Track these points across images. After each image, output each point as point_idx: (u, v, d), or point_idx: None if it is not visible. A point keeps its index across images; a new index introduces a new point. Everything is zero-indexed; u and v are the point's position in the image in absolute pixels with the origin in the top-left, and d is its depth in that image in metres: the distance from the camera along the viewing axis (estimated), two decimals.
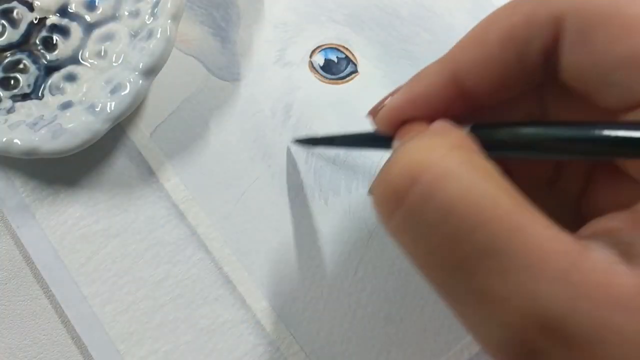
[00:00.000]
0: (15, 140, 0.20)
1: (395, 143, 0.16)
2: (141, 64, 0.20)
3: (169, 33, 0.20)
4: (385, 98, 0.16)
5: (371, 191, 0.13)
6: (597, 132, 0.12)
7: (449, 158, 0.12)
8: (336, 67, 0.24)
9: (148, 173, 0.22)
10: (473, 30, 0.15)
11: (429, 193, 0.12)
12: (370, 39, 0.24)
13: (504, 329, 0.11)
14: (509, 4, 0.14)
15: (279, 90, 0.23)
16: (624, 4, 0.12)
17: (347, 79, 0.24)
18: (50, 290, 0.21)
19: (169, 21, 0.20)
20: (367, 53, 0.24)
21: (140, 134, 0.23)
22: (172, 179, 0.22)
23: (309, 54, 0.24)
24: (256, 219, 0.22)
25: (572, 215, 0.16)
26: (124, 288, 0.21)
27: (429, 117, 0.15)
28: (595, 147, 0.12)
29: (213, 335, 0.21)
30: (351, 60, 0.24)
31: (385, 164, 0.13)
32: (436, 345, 0.20)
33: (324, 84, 0.24)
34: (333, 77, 0.24)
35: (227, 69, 0.24)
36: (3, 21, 0.23)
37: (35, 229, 0.22)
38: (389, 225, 0.13)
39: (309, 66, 0.24)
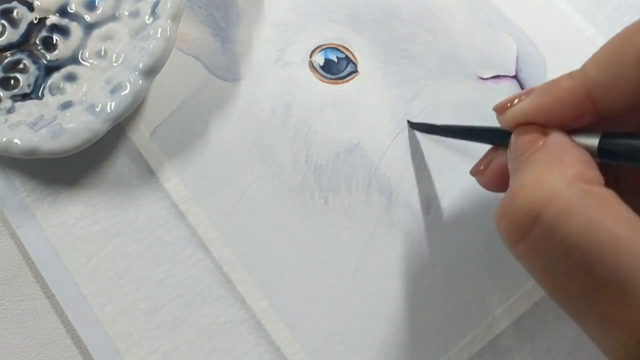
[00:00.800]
0: (15, 140, 0.20)
1: (514, 143, 0.16)
2: (141, 64, 0.20)
3: (169, 33, 0.20)
4: (514, 97, 0.17)
5: (495, 221, 0.15)
6: None
7: (569, 193, 0.13)
8: (336, 67, 0.24)
9: (148, 173, 0.22)
10: (609, 45, 0.15)
11: (552, 229, 0.13)
12: (370, 39, 0.24)
13: (625, 345, 0.12)
14: None
15: (279, 90, 0.23)
16: None
17: (347, 78, 0.24)
18: (50, 290, 0.21)
19: (169, 21, 0.20)
20: (367, 53, 0.24)
21: (140, 134, 0.23)
22: (172, 179, 0.22)
23: (309, 53, 0.24)
24: (256, 219, 0.22)
25: None
26: (124, 288, 0.21)
27: (553, 124, 0.16)
28: None
29: (213, 335, 0.21)
30: (351, 60, 0.24)
31: (507, 194, 0.14)
32: (437, 345, 0.20)
33: (324, 83, 0.24)
34: (333, 77, 0.24)
35: (227, 69, 0.24)
36: (3, 21, 0.23)
37: (35, 229, 0.22)
38: (514, 252, 0.14)
39: (309, 66, 0.24)
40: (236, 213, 0.22)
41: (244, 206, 0.22)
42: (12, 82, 0.22)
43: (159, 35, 0.20)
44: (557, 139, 0.15)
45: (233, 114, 0.23)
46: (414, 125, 0.23)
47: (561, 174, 0.13)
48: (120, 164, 0.23)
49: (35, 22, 0.23)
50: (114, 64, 0.21)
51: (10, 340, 0.21)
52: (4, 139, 0.20)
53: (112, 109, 0.20)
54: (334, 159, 0.22)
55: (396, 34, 0.24)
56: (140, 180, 0.22)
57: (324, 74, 0.24)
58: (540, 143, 0.15)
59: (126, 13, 0.22)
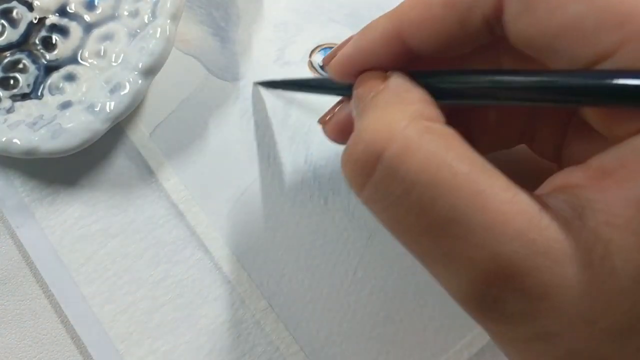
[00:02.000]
0: (15, 140, 0.20)
1: (355, 91, 0.16)
2: (140, 64, 0.20)
3: (168, 33, 0.20)
4: (339, 47, 0.17)
5: (342, 164, 0.14)
6: (540, 77, 0.13)
7: (409, 130, 0.13)
8: None
9: (147, 173, 0.22)
10: None
11: (393, 168, 0.13)
12: None
13: (469, 283, 0.12)
14: None
15: (279, 90, 0.23)
16: None
17: None
18: (50, 290, 0.21)
19: (169, 21, 0.20)
20: None
21: (140, 134, 0.23)
22: (172, 179, 0.22)
23: (309, 53, 0.24)
24: (256, 219, 0.22)
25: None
26: (124, 288, 0.21)
27: (381, 67, 0.16)
28: (539, 93, 0.13)
29: (212, 335, 0.21)
30: None
31: (352, 137, 0.14)
32: (436, 345, 0.20)
33: None
34: None
35: (226, 69, 0.24)
36: (3, 21, 0.23)
37: (34, 229, 0.22)
38: (360, 196, 0.14)
39: (309, 66, 0.24)
40: (236, 213, 0.22)
41: (244, 206, 0.22)
42: (12, 82, 0.22)
43: (158, 35, 0.20)
44: (397, 80, 0.15)
45: (232, 113, 0.23)
46: (259, 84, 0.23)
47: (401, 113, 0.13)
48: (119, 163, 0.23)
49: (35, 22, 0.23)
50: (114, 64, 0.21)
51: (10, 340, 0.21)
52: (4, 139, 0.20)
53: (112, 108, 0.20)
54: (334, 159, 0.22)
55: None
56: (139, 180, 0.22)
57: (323, 73, 0.24)
58: (382, 87, 0.15)
59: (125, 13, 0.22)
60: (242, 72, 0.24)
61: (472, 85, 0.14)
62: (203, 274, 0.21)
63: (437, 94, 0.14)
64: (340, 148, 0.23)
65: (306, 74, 0.24)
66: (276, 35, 0.24)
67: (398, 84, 0.15)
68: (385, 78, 0.15)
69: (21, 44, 0.23)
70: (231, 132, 0.23)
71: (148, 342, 0.21)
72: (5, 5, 0.23)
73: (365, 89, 0.15)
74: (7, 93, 0.22)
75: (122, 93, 0.20)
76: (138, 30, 0.22)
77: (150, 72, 0.20)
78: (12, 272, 0.22)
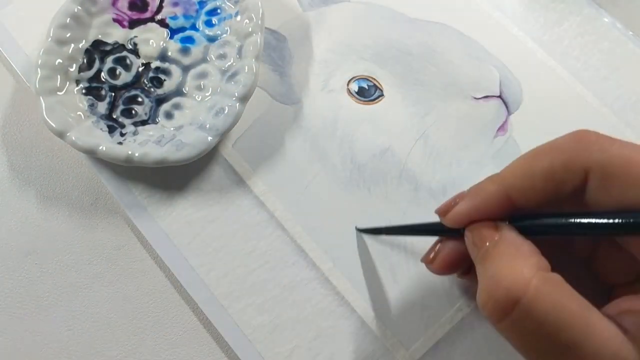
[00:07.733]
0: (148, 153, 0.27)
1: (470, 238, 0.21)
2: (236, 93, 0.28)
3: (254, 69, 0.28)
4: (451, 202, 0.22)
5: (482, 304, 0.19)
6: (592, 219, 0.19)
7: (536, 281, 0.18)
8: (367, 92, 0.32)
9: (233, 173, 0.30)
10: (523, 159, 0.21)
11: (527, 311, 0.18)
12: (391, 71, 0.33)
13: None
14: (548, 145, 0.20)
15: (327, 110, 0.31)
16: (635, 162, 0.18)
17: (376, 100, 0.32)
18: (169, 268, 0.28)
19: (253, 60, 0.28)
20: (389, 82, 0.32)
21: (225, 146, 0.30)
22: (252, 178, 0.30)
23: (346, 83, 0.32)
24: (317, 204, 0.29)
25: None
26: (223, 259, 0.28)
27: (489, 218, 0.21)
28: (593, 228, 0.19)
29: (293, 290, 0.28)
30: (378, 87, 0.32)
31: (487, 280, 0.19)
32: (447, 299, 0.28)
33: (359, 104, 0.32)
34: (365, 99, 0.32)
35: (286, 96, 0.32)
36: (119, 67, 0.30)
37: (148, 219, 0.29)
38: (498, 326, 0.19)
39: (347, 92, 0.32)
40: (303, 201, 0.29)
41: (308, 196, 0.29)
42: (133, 112, 0.29)
43: (246, 71, 0.28)
44: (510, 234, 0.20)
45: (293, 129, 0.31)
46: (361, 231, 0.28)
47: (526, 266, 0.18)
48: (211, 167, 0.30)
49: (143, 66, 0.31)
50: (212, 95, 0.29)
51: (126, 291, 0.28)
52: (138, 153, 0.27)
53: (219, 126, 0.27)
54: (372, 159, 0.30)
55: (410, 67, 0.33)
56: (227, 180, 0.30)
57: (359, 97, 0.32)
58: (496, 238, 0.20)
59: (214, 57, 0.30)
60: (298, 98, 0.32)
61: (557, 226, 0.20)
62: (282, 246, 0.28)
63: (532, 232, 0.20)
64: (377, 151, 0.30)
65: (346, 98, 0.32)
66: (320, 70, 0.33)
67: (512, 237, 0.20)
68: (495, 228, 0.20)
69: (134, 83, 0.30)
70: (294, 142, 0.31)
71: (245, 298, 0.27)
72: (118, 55, 0.31)
73: (480, 237, 0.20)
74: (130, 120, 0.29)
75: (225, 115, 0.27)
76: (226, 69, 0.29)
77: (244, 98, 0.28)
78: (124, 241, 0.29)
